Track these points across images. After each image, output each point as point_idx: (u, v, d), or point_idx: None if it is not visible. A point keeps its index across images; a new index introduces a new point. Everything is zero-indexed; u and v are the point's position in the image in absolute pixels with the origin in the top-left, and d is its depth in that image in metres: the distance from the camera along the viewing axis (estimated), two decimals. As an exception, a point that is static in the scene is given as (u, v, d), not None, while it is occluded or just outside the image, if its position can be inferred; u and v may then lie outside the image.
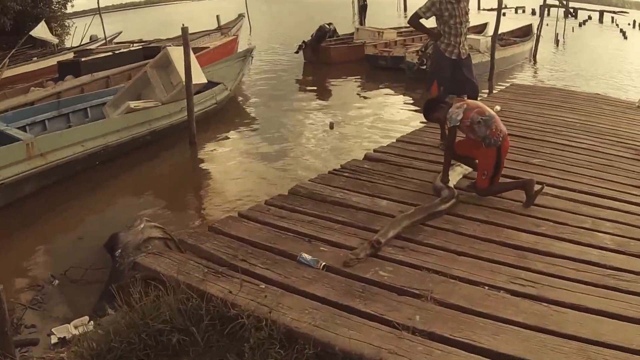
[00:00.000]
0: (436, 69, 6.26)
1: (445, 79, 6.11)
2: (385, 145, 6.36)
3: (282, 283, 3.29)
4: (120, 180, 7.67)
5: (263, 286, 3.24)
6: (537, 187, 4.40)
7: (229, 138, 9.48)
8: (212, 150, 8.88)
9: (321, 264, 3.46)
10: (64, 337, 4.35)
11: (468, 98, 5.52)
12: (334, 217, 4.22)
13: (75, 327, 4.43)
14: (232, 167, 8.05)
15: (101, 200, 7.06)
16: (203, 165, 8.42)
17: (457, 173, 5.01)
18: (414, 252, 3.65)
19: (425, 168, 5.40)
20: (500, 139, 4.38)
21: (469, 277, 3.33)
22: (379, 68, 14.87)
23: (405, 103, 11.79)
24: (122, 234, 5.43)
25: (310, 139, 9.07)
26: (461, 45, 6.06)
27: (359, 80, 14.19)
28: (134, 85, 8.91)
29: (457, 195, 4.49)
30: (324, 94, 12.86)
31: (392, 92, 12.84)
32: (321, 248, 3.71)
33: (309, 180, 5.09)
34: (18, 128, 7.41)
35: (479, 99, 6.66)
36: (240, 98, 12.38)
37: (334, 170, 5.41)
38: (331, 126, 9.38)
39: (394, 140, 6.47)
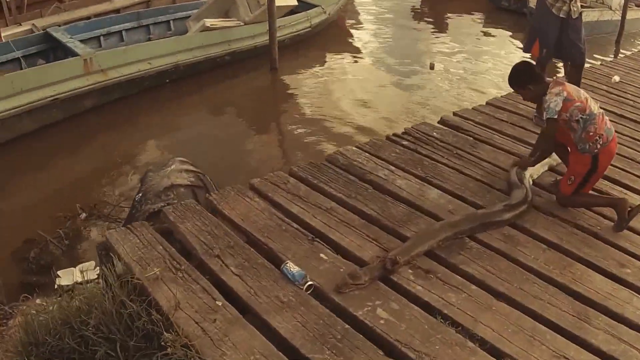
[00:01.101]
0: (540, 26, 4.82)
1: (550, 40, 4.72)
2: (469, 108, 5.12)
3: (244, 303, 2.52)
4: (188, 101, 7.16)
5: (220, 303, 2.50)
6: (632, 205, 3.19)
7: (317, 68, 8.53)
8: (295, 81, 8.03)
9: (307, 282, 2.62)
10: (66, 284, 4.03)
11: (572, 65, 4.16)
12: (360, 206, 3.30)
13: (81, 272, 4.07)
14: (310, 105, 7.17)
15: (162, 123, 6.62)
16: (279, 97, 7.66)
17: (543, 164, 3.79)
18: (439, 284, 2.68)
19: (507, 147, 4.21)
20: (599, 146, 3.16)
21: (496, 344, 2.33)
22: (501, 9, 12.76)
23: (518, 55, 9.93)
24: (150, 173, 4.89)
25: (404, 81, 7.86)
26: (573, 1, 4.58)
27: (478, 19, 12.19)
28: (221, 1, 8.14)
29: (531, 201, 3.34)
30: (437, 29, 11.21)
31: (508, 38, 10.92)
32: (321, 255, 2.85)
33: (356, 147, 4.13)
34: (91, 39, 7.06)
35: (586, 65, 5.13)
36: (348, 21, 11.22)
37: (394, 135, 4.39)
38: (431, 67, 8.15)
39: (484, 103, 5.19)
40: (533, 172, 3.75)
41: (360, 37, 10.21)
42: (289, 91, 7.72)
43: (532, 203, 3.37)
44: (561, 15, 4.62)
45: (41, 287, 4.11)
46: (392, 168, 3.80)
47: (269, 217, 3.15)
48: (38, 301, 4.06)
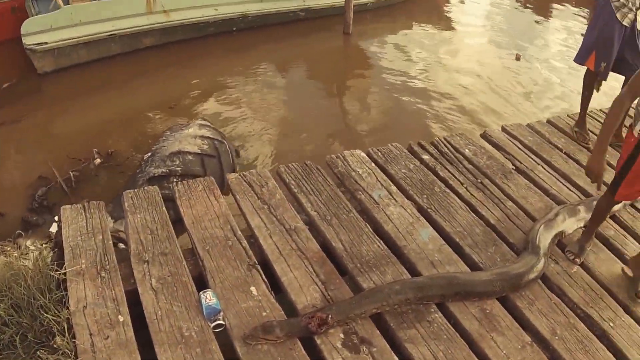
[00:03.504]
0: (601, 34, 3.71)
1: (611, 53, 3.67)
2: (526, 122, 4.26)
3: (146, 325, 2.16)
4: (253, 54, 6.73)
5: (122, 319, 2.18)
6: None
7: (398, 39, 7.69)
8: (368, 49, 7.29)
9: (216, 320, 2.20)
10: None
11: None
12: (329, 235, 2.78)
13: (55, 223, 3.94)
14: (381, 80, 6.42)
15: (220, 71, 6.26)
16: (349, 65, 7.01)
17: (579, 219, 3.02)
18: (368, 363, 2.14)
19: (546, 186, 3.42)
20: None
21: None
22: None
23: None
24: (168, 132, 4.58)
25: (482, 70, 6.88)
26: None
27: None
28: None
29: (539, 274, 2.63)
30: (541, 16, 9.65)
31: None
32: (251, 289, 2.40)
33: (366, 152, 3.52)
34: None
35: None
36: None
37: (418, 144, 3.70)
38: (517, 58, 7.06)
39: (544, 120, 4.29)
40: (567, 228, 2.99)
41: (454, 12, 9.11)
42: (361, 60, 7.04)
43: (539, 275, 2.64)
44: (624, 24, 3.58)
45: (38, 227, 4.04)
46: (393, 189, 3.18)
47: (221, 226, 2.71)
48: (28, 242, 3.98)
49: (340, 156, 3.40)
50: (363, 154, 3.46)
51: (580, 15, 9.36)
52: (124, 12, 5.67)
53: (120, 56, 6.00)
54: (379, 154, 3.50)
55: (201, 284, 2.40)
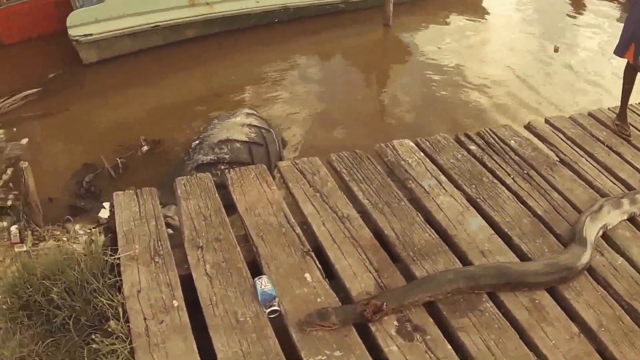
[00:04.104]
0: (638, 26, 3.59)
1: None
2: (569, 114, 4.18)
3: (200, 310, 2.19)
4: (291, 44, 6.76)
5: (176, 304, 2.24)
6: None
7: (434, 28, 7.62)
8: (408, 41, 7.23)
9: (272, 307, 2.23)
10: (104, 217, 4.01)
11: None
12: (381, 223, 2.79)
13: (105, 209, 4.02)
14: (422, 71, 6.38)
15: (262, 61, 6.30)
16: (389, 58, 6.97)
17: (623, 211, 2.97)
18: (421, 350, 2.15)
19: (590, 178, 3.34)
20: None
21: None
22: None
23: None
24: (215, 121, 4.64)
25: (522, 62, 6.75)
26: None
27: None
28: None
29: (586, 266, 2.60)
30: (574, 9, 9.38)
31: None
32: (306, 275, 2.43)
33: (414, 142, 3.52)
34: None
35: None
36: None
37: (465, 134, 3.68)
38: (555, 49, 6.91)
39: (585, 112, 4.21)
40: (611, 221, 2.94)
41: (490, 1, 8.93)
42: (401, 52, 7.00)
43: (584, 267, 2.60)
44: None
45: (86, 212, 4.13)
46: (443, 179, 3.17)
47: (275, 212, 2.75)
48: (77, 227, 4.08)
49: (390, 145, 3.41)
50: (412, 144, 3.46)
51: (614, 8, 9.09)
52: (167, 5, 5.74)
53: (164, 47, 6.08)
54: (427, 143, 3.49)
55: (255, 270, 2.43)
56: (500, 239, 2.77)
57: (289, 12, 6.71)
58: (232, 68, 6.10)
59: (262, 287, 2.27)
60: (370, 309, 2.17)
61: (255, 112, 4.78)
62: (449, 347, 2.16)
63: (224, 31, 6.37)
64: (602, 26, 8.15)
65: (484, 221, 2.88)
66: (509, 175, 3.29)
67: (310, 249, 2.54)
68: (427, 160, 3.33)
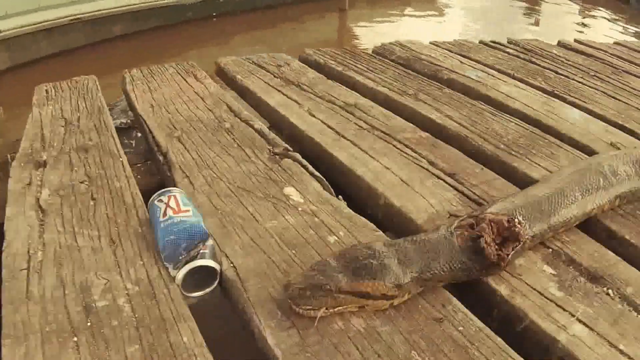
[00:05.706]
0: None
1: None
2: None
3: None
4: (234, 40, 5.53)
5: None
6: None
7: (390, 19, 6.62)
8: (366, 27, 6.17)
9: (200, 255, 0.86)
10: None
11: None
12: (425, 112, 1.54)
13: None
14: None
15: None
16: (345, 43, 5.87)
17: None
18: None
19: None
20: None
21: None
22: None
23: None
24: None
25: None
26: None
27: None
28: None
29: None
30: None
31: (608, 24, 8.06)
32: (285, 191, 1.09)
33: (431, 42, 2.36)
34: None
35: None
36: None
37: (492, 41, 2.55)
38: (536, 22, 6.17)
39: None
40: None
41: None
42: (357, 39, 5.93)
43: None
44: None
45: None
46: (492, 71, 2.01)
47: (211, 107, 1.47)
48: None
49: (397, 43, 2.24)
50: (428, 43, 2.33)
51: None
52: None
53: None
54: (448, 45, 2.38)
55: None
56: (620, 132, 1.59)
57: (234, 2, 5.56)
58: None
59: (171, 214, 0.91)
60: (492, 238, 0.86)
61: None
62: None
63: (157, 26, 5.01)
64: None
65: (585, 113, 1.70)
66: (575, 74, 2.16)
67: (290, 149, 1.23)
68: (459, 55, 2.19)
